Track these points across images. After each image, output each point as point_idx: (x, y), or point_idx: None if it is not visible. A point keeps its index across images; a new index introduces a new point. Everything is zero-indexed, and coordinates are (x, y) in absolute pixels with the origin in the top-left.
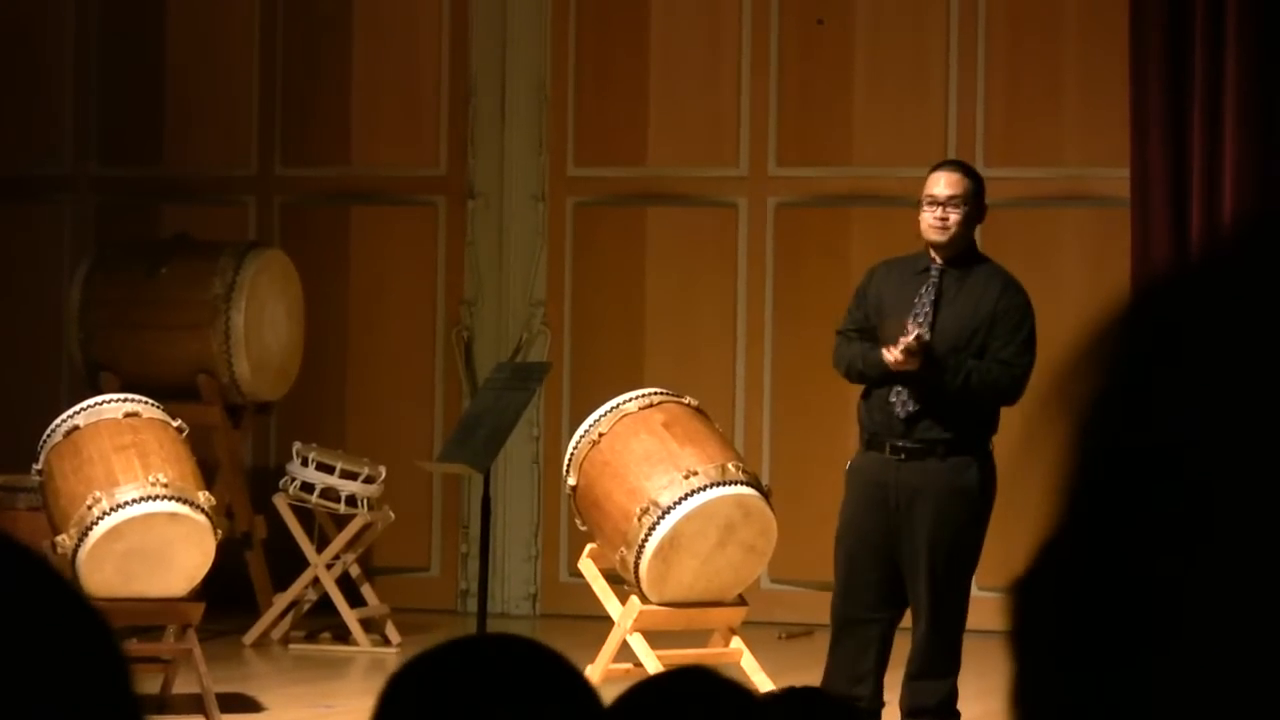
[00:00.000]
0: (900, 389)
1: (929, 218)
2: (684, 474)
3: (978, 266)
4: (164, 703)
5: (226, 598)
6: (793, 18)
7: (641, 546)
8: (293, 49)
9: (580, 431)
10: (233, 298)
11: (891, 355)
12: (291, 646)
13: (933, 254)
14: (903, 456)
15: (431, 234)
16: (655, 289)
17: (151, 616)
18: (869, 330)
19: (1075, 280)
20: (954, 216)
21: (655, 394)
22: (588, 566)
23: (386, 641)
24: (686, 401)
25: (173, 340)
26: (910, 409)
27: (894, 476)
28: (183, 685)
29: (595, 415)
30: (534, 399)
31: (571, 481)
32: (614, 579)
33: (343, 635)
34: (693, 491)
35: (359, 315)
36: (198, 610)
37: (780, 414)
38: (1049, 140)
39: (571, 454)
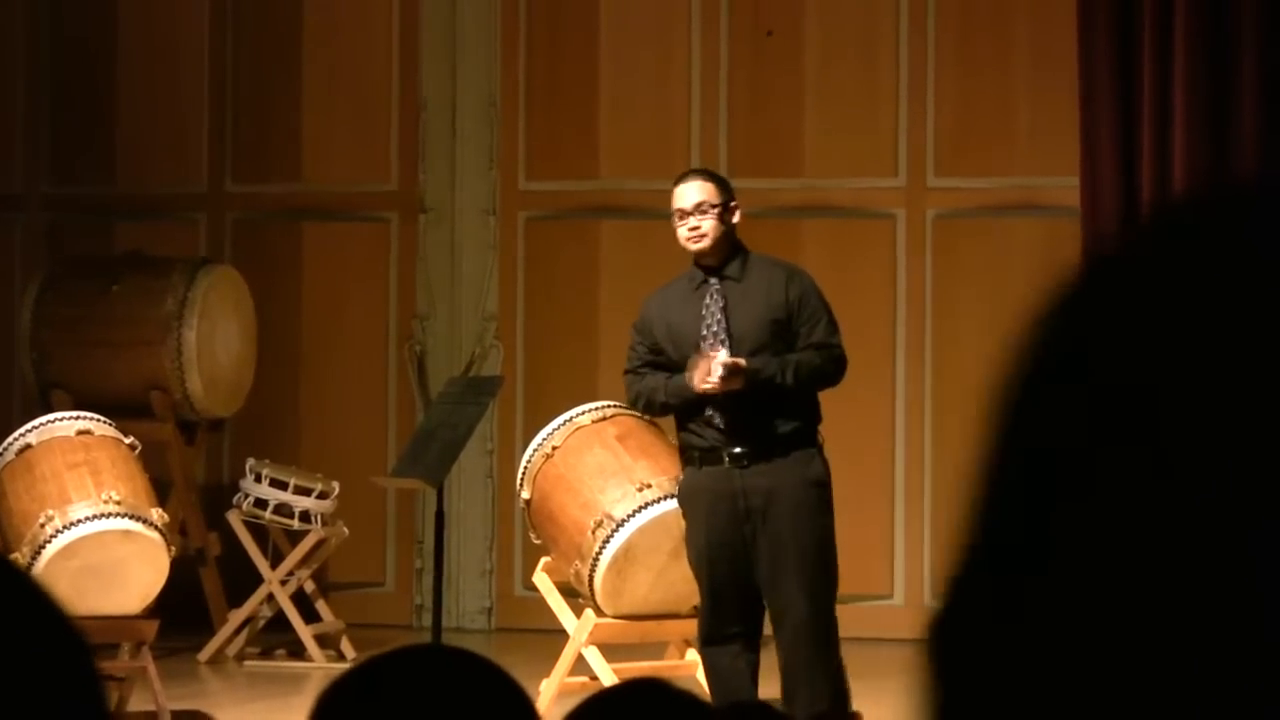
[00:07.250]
0: (710, 410)
1: (683, 231)
2: (638, 486)
3: (751, 262)
4: None
5: (181, 615)
6: (742, 29)
7: (596, 559)
8: (243, 65)
9: (534, 445)
10: (185, 314)
11: (708, 385)
12: (246, 663)
13: (700, 266)
14: (745, 462)
15: (383, 249)
16: (608, 302)
17: (106, 634)
18: (660, 362)
19: (1025, 289)
20: (706, 224)
21: (609, 407)
22: (542, 580)
23: (342, 657)
24: (640, 414)
25: (125, 357)
26: (736, 417)
27: (741, 483)
28: (137, 703)
29: (549, 429)
30: (487, 413)
31: (525, 495)
32: (569, 592)
33: (298, 651)
34: (647, 504)
35: (311, 331)
36: (152, 627)
37: None
38: (999, 150)
39: (525, 468)
